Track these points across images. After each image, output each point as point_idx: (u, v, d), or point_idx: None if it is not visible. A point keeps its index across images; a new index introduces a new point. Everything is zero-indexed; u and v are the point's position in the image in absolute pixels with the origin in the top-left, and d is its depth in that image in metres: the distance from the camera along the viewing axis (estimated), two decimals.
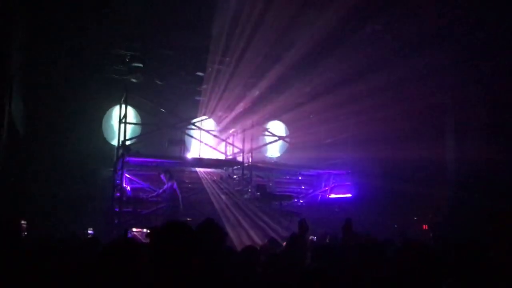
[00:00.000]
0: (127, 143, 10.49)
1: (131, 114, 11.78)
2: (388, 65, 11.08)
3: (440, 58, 10.69)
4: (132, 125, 11.66)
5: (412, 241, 4.45)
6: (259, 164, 12.37)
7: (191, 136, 12.23)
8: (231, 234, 9.59)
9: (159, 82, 12.98)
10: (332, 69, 11.67)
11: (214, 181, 11.99)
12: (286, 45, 11.18)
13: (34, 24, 10.01)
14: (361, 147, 12.73)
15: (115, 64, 12.24)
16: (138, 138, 11.54)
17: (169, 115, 12.00)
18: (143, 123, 12.33)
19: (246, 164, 11.82)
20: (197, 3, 9.98)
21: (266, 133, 13.86)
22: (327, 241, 7.50)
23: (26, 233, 7.89)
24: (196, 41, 11.24)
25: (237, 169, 12.11)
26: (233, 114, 13.10)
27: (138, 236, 9.46)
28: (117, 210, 10.10)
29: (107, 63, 12.11)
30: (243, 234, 10.13)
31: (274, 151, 14.43)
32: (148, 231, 7.74)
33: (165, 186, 10.84)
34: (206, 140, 12.24)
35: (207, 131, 12.44)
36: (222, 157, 12.52)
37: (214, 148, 12.34)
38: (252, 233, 10.15)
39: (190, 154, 12.17)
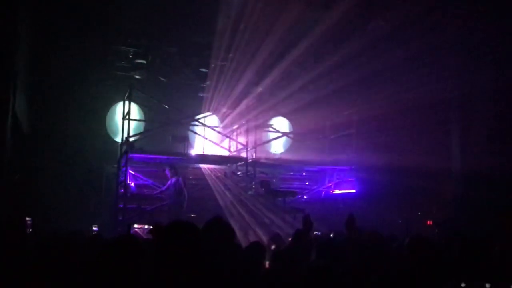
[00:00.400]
0: (131, 139, 10.50)
1: (135, 111, 11.80)
2: (393, 61, 11.04)
3: (446, 53, 10.64)
4: (136, 122, 11.67)
5: (417, 237, 4.43)
6: (263, 160, 12.37)
7: (195, 133, 12.23)
8: (235, 230, 9.58)
9: (162, 79, 12.98)
10: (336, 65, 11.63)
11: (218, 177, 11.99)
12: (290, 41, 11.15)
13: (38, 20, 10.02)
14: (365, 142, 12.71)
15: (118, 61, 12.24)
16: (141, 135, 11.55)
17: (173, 112, 11.99)
18: (146, 119, 12.34)
19: (250, 160, 11.82)
20: None
21: (270, 129, 13.85)
22: (331, 236, 7.48)
23: (31, 230, 7.91)
24: (200, 38, 11.24)
25: (241, 165, 12.10)
26: (237, 110, 13.08)
27: (139, 232, 9.48)
28: (121, 206, 10.11)
29: (111, 60, 12.11)
30: (247, 230, 10.14)
31: (278, 147, 14.42)
32: (150, 227, 7.75)
33: (169, 183, 10.86)
34: (210, 137, 12.24)
35: (211, 128, 12.44)
36: (226, 153, 12.51)
37: (218, 145, 12.34)
38: (256, 229, 10.15)
39: (194, 151, 12.17)
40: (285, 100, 13.47)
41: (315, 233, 7.90)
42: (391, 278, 3.20)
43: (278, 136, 13.97)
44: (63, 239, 3.49)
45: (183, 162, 12.10)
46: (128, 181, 10.69)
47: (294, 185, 13.51)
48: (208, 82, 13.11)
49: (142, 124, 12.20)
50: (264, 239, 8.47)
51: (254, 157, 11.96)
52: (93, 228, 9.71)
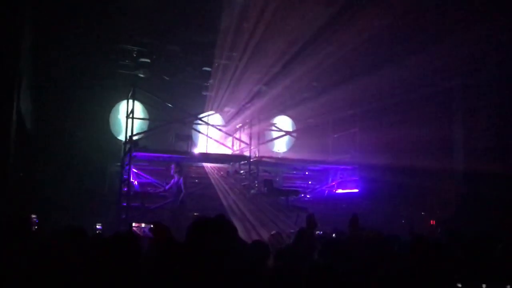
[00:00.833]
0: (135, 138, 10.52)
1: (138, 109, 11.82)
2: (397, 60, 11.02)
3: (447, 45, 10.59)
4: (140, 120, 11.70)
5: (418, 237, 4.44)
6: (266, 159, 12.37)
7: (198, 131, 12.25)
8: (238, 228, 9.60)
9: (166, 78, 13.00)
10: (339, 62, 11.62)
11: (220, 176, 12.02)
12: (293, 40, 11.14)
13: (42, 20, 10.05)
14: (368, 142, 12.71)
15: (122, 59, 12.26)
16: (145, 133, 11.57)
17: (176, 110, 12.01)
18: (150, 118, 12.36)
19: (253, 159, 11.83)
20: None
21: (273, 128, 13.86)
22: (334, 236, 7.50)
23: (36, 228, 7.94)
24: (204, 36, 11.24)
25: (244, 164, 12.12)
26: (240, 109, 13.10)
27: (137, 230, 9.50)
28: (125, 204, 10.14)
29: (115, 58, 12.14)
30: (249, 229, 10.15)
31: (281, 146, 14.42)
32: (148, 226, 7.80)
33: (172, 181, 10.92)
34: (213, 135, 12.25)
35: (214, 126, 12.46)
36: (229, 152, 12.53)
37: (221, 143, 12.36)
38: (258, 228, 10.17)
39: (197, 149, 12.20)
40: (288, 99, 13.48)
41: (317, 232, 7.91)
42: (393, 277, 3.22)
43: (281, 135, 13.98)
44: (65, 237, 3.51)
45: (186, 161, 12.13)
46: (132, 180, 10.73)
47: (297, 184, 13.52)
48: (211, 81, 13.12)
49: (145, 122, 12.22)
50: (266, 237, 8.48)
51: (257, 155, 11.98)
52: (97, 226, 9.73)
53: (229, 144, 12.73)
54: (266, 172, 12.72)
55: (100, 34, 10.86)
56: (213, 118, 13.15)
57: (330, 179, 13.45)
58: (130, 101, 10.75)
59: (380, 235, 4.34)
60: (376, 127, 12.78)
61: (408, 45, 10.64)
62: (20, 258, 3.33)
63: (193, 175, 12.67)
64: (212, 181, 11.91)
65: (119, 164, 11.15)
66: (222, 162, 12.32)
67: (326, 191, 13.36)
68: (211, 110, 13.21)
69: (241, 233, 9.33)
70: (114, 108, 12.95)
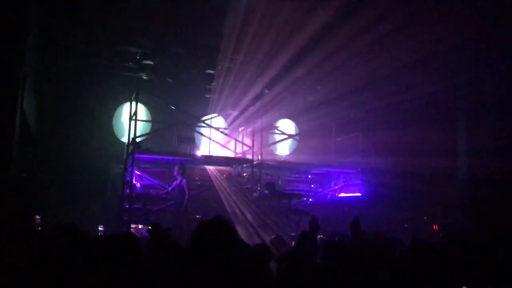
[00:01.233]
0: (137, 140, 10.53)
1: (142, 111, 11.84)
2: (401, 65, 11.02)
3: (453, 56, 10.61)
4: (142, 122, 11.71)
5: (418, 240, 4.44)
6: (268, 162, 12.36)
7: (201, 134, 12.26)
8: (240, 231, 9.61)
9: (169, 80, 13.03)
10: (343, 67, 11.63)
11: (223, 178, 12.01)
12: (296, 43, 11.15)
13: (46, 22, 10.09)
14: (371, 145, 12.69)
15: (126, 62, 12.30)
16: (148, 135, 11.59)
17: (179, 113, 12.02)
18: (153, 120, 12.39)
19: (256, 162, 11.82)
20: (209, 0, 9.99)
21: (276, 131, 13.85)
22: (336, 239, 7.48)
23: (40, 228, 7.96)
24: (207, 39, 11.27)
25: (246, 167, 12.11)
26: (243, 112, 13.10)
27: (135, 232, 9.50)
28: (127, 206, 10.14)
29: (118, 60, 12.18)
30: (252, 232, 10.14)
31: (283, 149, 14.42)
32: (146, 227, 7.79)
33: (174, 183, 10.91)
34: (216, 138, 12.26)
35: (217, 129, 12.46)
36: (232, 155, 12.53)
37: (224, 146, 12.36)
38: (260, 231, 10.15)
39: (200, 152, 12.20)
40: (291, 102, 13.48)
41: (319, 236, 7.89)
42: (394, 280, 3.20)
43: (284, 138, 13.97)
44: (59, 236, 3.51)
45: (189, 163, 12.12)
46: (134, 182, 10.73)
47: (300, 187, 13.48)
48: (214, 84, 13.14)
49: (148, 124, 12.24)
50: (269, 240, 8.47)
51: (259, 158, 11.96)
52: (99, 228, 9.73)
53: (232, 147, 12.74)
54: (268, 175, 12.70)
55: (104, 36, 10.90)
56: (216, 120, 13.16)
57: (332, 182, 13.42)
58: (134, 103, 10.76)
59: (382, 238, 4.33)
60: (380, 131, 12.76)
61: (412, 48, 10.64)
62: (23, 257, 3.34)
63: (196, 178, 12.66)
64: (215, 183, 11.91)
65: (121, 166, 11.16)
66: (224, 165, 12.31)
67: (329, 195, 13.33)
68: (214, 112, 13.23)
69: (243, 236, 9.34)
70: (117, 110, 12.99)
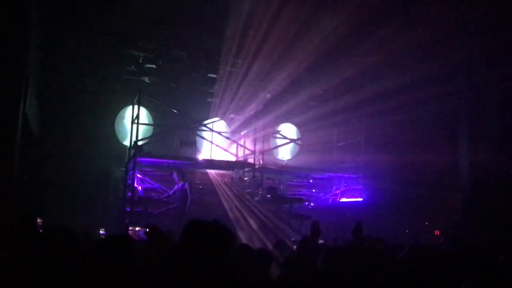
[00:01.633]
0: (139, 143, 10.52)
1: (144, 115, 11.84)
2: (402, 69, 11.02)
3: (454, 61, 10.61)
4: (144, 126, 11.71)
5: (418, 245, 4.42)
6: (270, 167, 12.34)
7: (203, 138, 12.25)
8: (241, 236, 9.59)
9: (172, 84, 13.05)
10: (344, 72, 11.64)
11: (224, 182, 11.99)
12: (298, 47, 11.17)
13: (49, 24, 10.12)
14: (373, 150, 12.67)
15: (128, 65, 12.33)
16: (150, 139, 11.59)
17: (181, 116, 12.03)
18: (155, 123, 12.39)
19: (257, 166, 11.80)
20: (211, 4, 10.02)
21: (278, 135, 13.84)
22: (338, 244, 7.46)
23: (42, 231, 7.95)
24: (210, 43, 11.29)
25: (248, 171, 12.09)
26: (245, 116, 13.11)
27: (132, 234, 9.49)
28: (128, 210, 10.14)
29: (121, 64, 12.20)
30: (253, 236, 10.11)
31: (285, 153, 14.41)
32: (144, 229, 7.78)
33: (176, 187, 10.91)
34: (218, 142, 12.25)
35: (219, 133, 12.45)
36: (233, 159, 12.51)
37: (225, 150, 12.35)
38: (262, 235, 10.12)
39: (201, 156, 12.19)
40: (293, 107, 13.49)
41: (320, 241, 7.88)
42: (394, 285, 3.18)
43: (285, 143, 13.96)
44: (55, 238, 3.51)
45: (191, 167, 12.12)
46: (136, 185, 10.73)
47: (301, 192, 13.47)
48: (216, 87, 13.16)
49: (150, 128, 12.23)
50: (270, 245, 8.45)
51: (261, 163, 11.94)
52: (100, 231, 9.73)
53: (234, 151, 12.73)
54: (270, 180, 12.69)
55: (106, 39, 10.93)
56: (218, 124, 13.15)
57: (334, 187, 13.39)
58: (136, 106, 10.77)
59: (383, 242, 4.31)
60: (382, 136, 12.75)
61: (415, 54, 10.65)
62: (23, 258, 3.34)
63: (197, 181, 12.67)
64: (216, 187, 11.90)
65: (123, 169, 11.16)
66: (226, 169, 12.30)
67: (330, 200, 13.31)
68: (216, 116, 13.23)
69: (245, 240, 9.32)
70: (120, 113, 13.01)
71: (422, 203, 11.64)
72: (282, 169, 13.05)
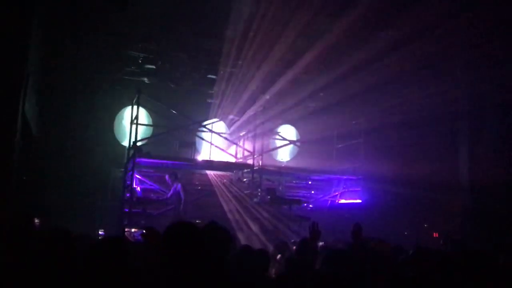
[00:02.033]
0: (138, 144, 10.52)
1: (143, 115, 11.82)
2: (402, 71, 11.03)
3: (454, 64, 10.62)
4: (144, 126, 11.70)
5: (422, 248, 4.41)
6: (269, 168, 12.35)
7: (202, 139, 12.25)
8: (240, 237, 9.58)
9: (171, 84, 13.04)
10: (344, 74, 11.63)
11: (224, 183, 11.99)
12: (299, 49, 11.16)
13: (49, 25, 10.10)
14: (372, 152, 12.67)
15: (128, 66, 12.31)
16: (149, 139, 11.58)
17: (181, 117, 12.02)
18: (154, 124, 12.37)
19: (256, 168, 11.80)
20: (211, 6, 10.01)
21: (277, 137, 13.85)
22: (337, 245, 7.44)
23: (41, 232, 7.93)
24: (210, 44, 11.28)
25: (247, 172, 12.10)
26: (244, 117, 13.10)
27: (128, 236, 9.48)
28: (127, 210, 10.12)
29: (120, 64, 12.18)
30: (252, 237, 10.11)
31: (284, 155, 14.40)
32: (142, 231, 7.76)
33: (172, 190, 10.96)
34: (217, 143, 12.25)
35: (218, 134, 12.45)
36: (233, 160, 12.51)
37: (225, 151, 12.35)
38: (261, 236, 10.12)
39: (201, 156, 12.19)
40: (292, 108, 13.48)
41: (320, 243, 7.86)
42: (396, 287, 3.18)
43: (285, 144, 13.96)
44: (50, 239, 3.51)
45: (190, 168, 12.12)
46: (134, 186, 10.72)
47: (300, 193, 13.47)
48: (216, 88, 13.15)
49: (149, 129, 12.22)
50: (269, 246, 8.43)
51: (260, 164, 11.95)
52: (100, 232, 9.71)
53: (233, 152, 12.72)
54: (269, 181, 12.69)
55: (106, 40, 10.91)
56: (217, 125, 13.15)
57: (333, 189, 13.41)
58: (135, 107, 10.77)
59: (387, 246, 4.30)
60: (381, 138, 12.75)
61: (413, 54, 10.65)
62: (21, 258, 3.33)
63: (196, 182, 12.66)
64: (215, 188, 11.89)
65: (122, 169, 11.14)
66: (225, 170, 12.30)
67: (329, 201, 13.32)
68: (215, 117, 13.22)
69: (244, 241, 9.31)
70: (119, 114, 12.99)
71: (421, 205, 11.63)
72: (281, 171, 13.05)
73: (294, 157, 14.47)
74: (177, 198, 10.83)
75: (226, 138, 12.67)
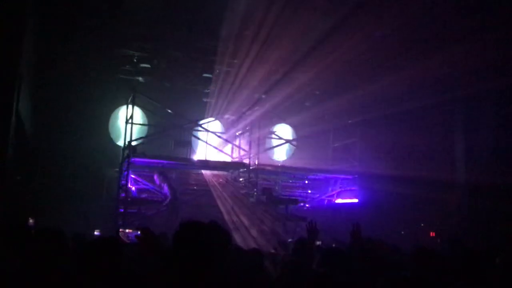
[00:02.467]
0: (133, 143, 10.47)
1: (138, 115, 11.76)
2: (397, 67, 11.01)
3: (449, 55, 10.58)
4: (139, 126, 11.64)
5: (421, 248, 4.39)
6: (265, 167, 12.31)
7: (198, 138, 12.20)
8: (236, 237, 9.55)
9: (166, 83, 12.99)
10: (341, 71, 11.61)
11: (219, 183, 11.95)
12: (294, 48, 11.13)
13: (43, 24, 10.04)
14: (369, 152, 12.66)
15: (123, 64, 12.24)
16: (144, 139, 11.51)
17: (176, 117, 11.97)
18: (149, 124, 12.30)
19: (252, 167, 11.77)
20: (207, 4, 9.96)
21: (273, 136, 13.81)
22: (334, 245, 7.42)
23: (33, 231, 7.87)
24: (205, 43, 11.23)
25: (243, 172, 12.06)
26: (240, 116, 13.07)
27: (122, 236, 9.43)
28: (122, 210, 10.07)
29: (115, 63, 12.11)
30: (248, 237, 10.07)
31: (280, 154, 14.37)
32: (137, 231, 7.74)
33: (165, 190, 10.98)
34: (213, 142, 12.20)
35: (214, 133, 12.40)
36: (229, 159, 12.48)
37: (221, 150, 12.31)
38: (257, 236, 10.09)
39: (196, 156, 12.15)
40: (289, 107, 13.46)
41: (317, 242, 7.83)
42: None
43: (281, 143, 13.92)
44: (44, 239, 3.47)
45: (186, 168, 12.07)
46: (130, 186, 10.67)
47: (297, 193, 13.45)
48: (212, 87, 13.10)
49: (145, 128, 12.14)
50: (265, 246, 8.40)
51: (256, 163, 11.91)
52: (95, 233, 9.64)
53: (229, 152, 12.69)
54: (265, 180, 12.66)
55: (101, 39, 10.84)
56: (213, 124, 13.10)
57: (330, 188, 13.39)
58: (130, 106, 10.71)
59: (386, 246, 4.27)
60: (377, 137, 12.75)
61: (410, 54, 10.63)
62: (15, 260, 3.30)
63: (192, 182, 12.61)
64: (211, 188, 11.85)
65: (117, 169, 11.08)
66: (221, 170, 12.25)
67: (326, 201, 13.30)
68: (211, 116, 13.18)
69: (240, 241, 9.28)
70: (114, 113, 12.92)
71: (418, 204, 11.63)
72: (278, 170, 13.02)
73: (291, 157, 14.44)
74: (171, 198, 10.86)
75: (222, 138, 12.62)
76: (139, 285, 2.91)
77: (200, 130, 12.25)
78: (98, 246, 3.06)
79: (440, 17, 9.73)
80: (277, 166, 13.24)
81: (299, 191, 13.69)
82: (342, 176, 13.07)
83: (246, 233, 10.24)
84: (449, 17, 9.67)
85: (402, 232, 11.58)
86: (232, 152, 12.76)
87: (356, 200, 12.66)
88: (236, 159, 12.54)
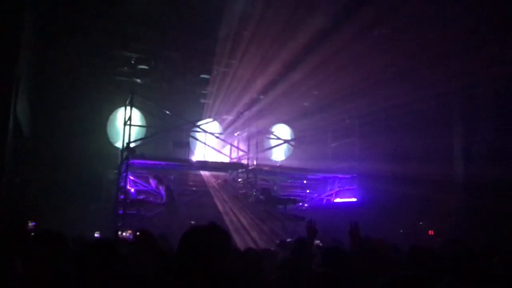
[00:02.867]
0: (132, 145, 10.46)
1: (136, 116, 11.75)
2: (396, 70, 11.02)
3: (448, 60, 10.61)
4: (137, 127, 11.63)
5: (418, 246, 4.39)
6: (264, 168, 12.31)
7: (196, 139, 12.19)
8: (235, 237, 9.55)
9: (164, 85, 12.98)
10: (338, 71, 11.62)
11: (218, 184, 11.95)
12: (292, 48, 11.14)
13: (41, 25, 10.03)
14: (367, 151, 12.67)
15: (121, 66, 12.23)
16: (142, 140, 11.50)
17: (174, 118, 11.96)
18: (148, 125, 12.29)
19: (251, 168, 11.77)
20: (204, 5, 9.97)
21: (272, 136, 13.81)
22: (333, 245, 7.42)
23: (33, 234, 7.85)
24: (203, 44, 11.24)
25: (241, 172, 12.06)
26: (239, 117, 13.06)
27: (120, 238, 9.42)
28: (121, 212, 10.06)
29: (113, 65, 12.10)
30: (247, 238, 10.08)
31: (279, 154, 14.37)
32: (135, 233, 7.73)
33: (163, 193, 10.98)
34: (211, 143, 12.20)
35: (212, 134, 12.40)
36: (227, 160, 12.47)
37: (219, 151, 12.30)
38: (256, 236, 10.09)
39: (195, 157, 12.13)
40: (287, 107, 13.46)
41: (316, 242, 7.83)
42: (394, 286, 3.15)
43: (279, 143, 13.92)
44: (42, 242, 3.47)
45: (184, 169, 12.06)
46: (128, 187, 10.65)
47: (295, 193, 13.44)
48: (210, 88, 13.10)
49: (143, 129, 12.13)
50: (264, 246, 8.40)
51: (255, 164, 11.91)
52: (95, 235, 9.63)
53: (227, 152, 12.68)
54: (264, 181, 12.65)
55: (99, 41, 10.84)
56: (211, 125, 13.10)
57: (328, 188, 13.38)
58: (128, 108, 10.70)
59: (386, 245, 4.27)
60: (375, 136, 12.75)
61: (408, 53, 10.65)
62: (15, 262, 3.30)
63: (191, 183, 12.60)
64: (210, 189, 11.84)
65: (116, 171, 11.07)
66: (219, 170, 12.25)
67: (325, 200, 13.30)
68: (209, 117, 13.17)
69: (238, 242, 9.28)
70: (112, 115, 12.89)
71: (416, 203, 11.63)
72: (276, 170, 13.02)
73: (289, 157, 14.44)
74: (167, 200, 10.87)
75: (220, 138, 12.62)
76: (138, 286, 2.91)
77: (198, 131, 12.24)
78: (96, 249, 3.06)
79: (440, 17, 9.75)
80: (275, 166, 13.24)
81: (298, 191, 13.68)
82: (341, 176, 13.07)
83: (245, 233, 10.24)
84: (449, 17, 9.69)
85: (401, 231, 11.59)
86: (230, 152, 12.75)
87: (354, 199, 12.67)
88: (235, 160, 12.53)
